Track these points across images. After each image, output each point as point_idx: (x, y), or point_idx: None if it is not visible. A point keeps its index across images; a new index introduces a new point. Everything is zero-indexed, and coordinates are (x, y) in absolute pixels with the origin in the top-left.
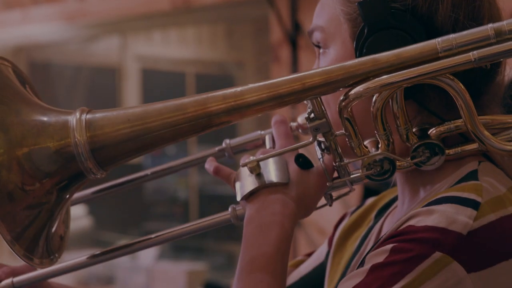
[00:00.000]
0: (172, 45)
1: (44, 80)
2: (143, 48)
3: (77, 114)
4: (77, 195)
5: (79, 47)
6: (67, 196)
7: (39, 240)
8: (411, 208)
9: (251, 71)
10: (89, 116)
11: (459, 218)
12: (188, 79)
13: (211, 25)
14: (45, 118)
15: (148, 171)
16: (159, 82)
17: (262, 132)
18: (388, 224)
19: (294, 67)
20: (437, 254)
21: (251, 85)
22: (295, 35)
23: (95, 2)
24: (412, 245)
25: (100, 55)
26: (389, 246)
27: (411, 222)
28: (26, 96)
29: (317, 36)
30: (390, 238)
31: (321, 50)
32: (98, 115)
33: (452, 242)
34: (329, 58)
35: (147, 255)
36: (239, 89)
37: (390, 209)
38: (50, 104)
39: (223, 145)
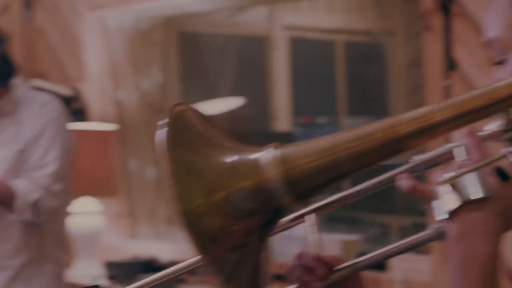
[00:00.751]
0: (320, 14)
1: (194, 50)
2: (291, 17)
3: (267, 151)
4: None
5: (228, 17)
6: (268, 233)
7: (247, 278)
8: None
9: (402, 40)
10: (279, 151)
11: None
12: (336, 48)
13: None
14: (235, 158)
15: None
16: (307, 51)
17: (450, 145)
18: None
19: (447, 37)
20: None
21: (435, 105)
22: (447, 2)
23: None
24: None
25: (248, 24)
26: None
27: None
28: (212, 138)
29: (495, 47)
30: None
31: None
32: (288, 149)
33: None
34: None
35: (302, 225)
36: (423, 109)
37: None
38: (200, 75)
39: (413, 161)
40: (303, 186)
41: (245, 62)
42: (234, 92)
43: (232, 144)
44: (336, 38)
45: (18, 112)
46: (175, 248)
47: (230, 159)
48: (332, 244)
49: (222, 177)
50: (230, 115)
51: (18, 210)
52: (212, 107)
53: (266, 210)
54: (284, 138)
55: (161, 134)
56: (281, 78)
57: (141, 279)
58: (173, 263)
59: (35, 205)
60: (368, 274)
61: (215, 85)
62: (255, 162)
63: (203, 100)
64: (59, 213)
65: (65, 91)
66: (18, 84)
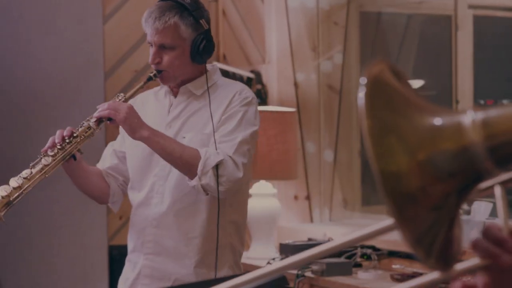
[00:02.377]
0: None
1: (375, 30)
2: None
3: (471, 114)
4: None
5: None
6: (465, 197)
7: (438, 243)
8: None
9: None
10: (482, 114)
11: None
12: None
13: None
14: (437, 120)
15: None
16: (492, 31)
17: None
18: None
19: None
20: None
21: None
22: None
23: None
24: None
25: (432, 3)
26: None
27: None
28: (410, 97)
29: None
30: None
31: None
32: (492, 112)
33: None
34: None
35: (481, 210)
36: None
37: None
38: (381, 56)
39: None
40: (505, 152)
41: (427, 42)
42: (415, 73)
43: (429, 105)
44: None
45: (213, 98)
46: (350, 232)
47: (431, 120)
48: None
49: (425, 137)
50: None
51: (201, 171)
52: None
53: (465, 173)
54: None
55: (361, 95)
56: (465, 59)
57: (316, 263)
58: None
59: (217, 170)
60: None
61: None
62: (458, 124)
63: None
64: (242, 205)
65: (246, 73)
66: (214, 70)
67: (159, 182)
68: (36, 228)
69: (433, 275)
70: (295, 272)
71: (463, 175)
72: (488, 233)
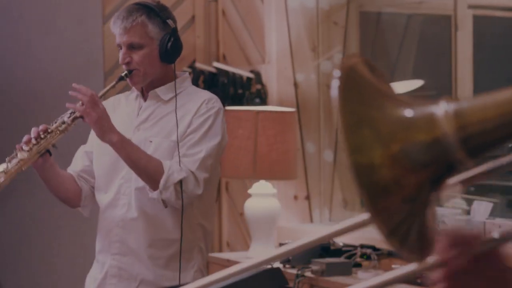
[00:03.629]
0: None
1: (375, 29)
2: None
3: (443, 105)
4: None
5: None
6: (438, 188)
7: (412, 233)
8: None
9: None
10: (455, 105)
11: None
12: None
13: None
14: (409, 111)
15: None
16: (491, 31)
17: None
18: None
19: None
20: None
21: None
22: None
23: None
24: None
25: (432, 3)
26: None
27: None
28: (384, 90)
29: None
30: None
31: None
32: (464, 103)
33: None
34: None
35: (481, 211)
36: None
37: None
38: (381, 56)
39: None
40: (477, 142)
41: (427, 42)
42: (415, 73)
43: (403, 97)
44: None
45: (181, 105)
46: (350, 232)
47: (404, 112)
48: None
49: (398, 129)
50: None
51: (163, 186)
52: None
53: (439, 164)
54: None
55: (335, 88)
56: (465, 59)
57: (315, 263)
58: (348, 247)
59: (179, 186)
60: None
61: (395, 66)
62: (430, 115)
63: None
64: (209, 210)
65: (246, 73)
66: (185, 77)
67: (126, 184)
68: (36, 228)
69: (410, 267)
70: (295, 272)
71: (436, 166)
72: (452, 233)
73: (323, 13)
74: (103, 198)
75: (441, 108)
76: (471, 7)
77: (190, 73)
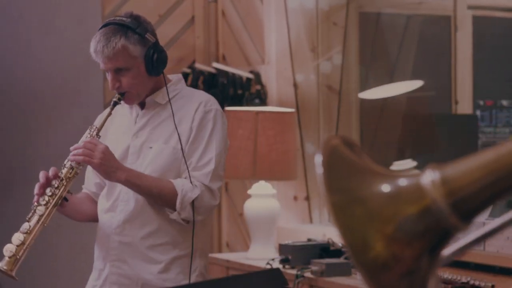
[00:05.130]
0: None
1: (375, 30)
2: None
3: (429, 173)
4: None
5: None
6: (438, 256)
7: None
8: None
9: None
10: (440, 172)
11: None
12: None
13: None
14: (395, 184)
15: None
16: (491, 31)
17: None
18: None
19: None
20: None
21: None
22: None
23: None
24: None
25: (431, 4)
26: None
27: None
28: (368, 167)
29: None
30: None
31: None
32: (449, 169)
33: None
34: None
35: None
36: None
37: None
38: (380, 56)
39: None
40: (468, 205)
41: (427, 43)
42: (414, 73)
43: (387, 171)
44: None
45: (178, 108)
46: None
47: (390, 186)
48: None
49: (387, 204)
50: (410, 98)
51: (180, 207)
52: (392, 89)
53: (433, 232)
54: (466, 121)
55: (319, 172)
56: (464, 59)
57: (315, 264)
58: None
59: (195, 203)
60: None
61: (395, 66)
62: (417, 186)
63: (383, 83)
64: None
65: (245, 73)
66: (178, 80)
67: (124, 190)
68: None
69: None
70: (294, 272)
71: (431, 234)
72: None
73: (323, 13)
74: (103, 205)
75: (428, 177)
76: (470, 7)
77: (189, 74)
